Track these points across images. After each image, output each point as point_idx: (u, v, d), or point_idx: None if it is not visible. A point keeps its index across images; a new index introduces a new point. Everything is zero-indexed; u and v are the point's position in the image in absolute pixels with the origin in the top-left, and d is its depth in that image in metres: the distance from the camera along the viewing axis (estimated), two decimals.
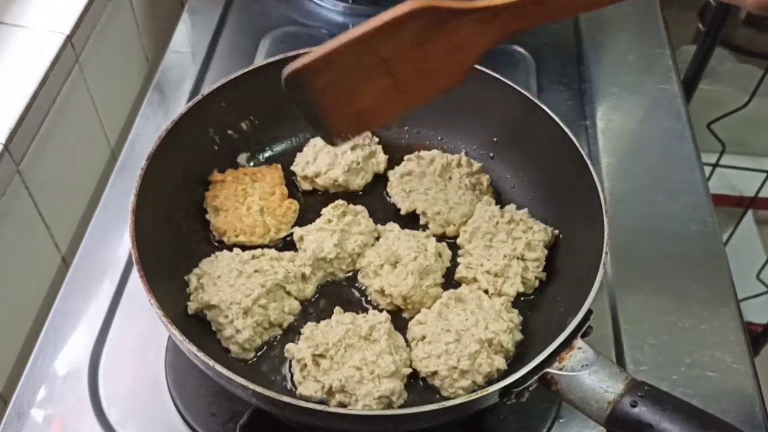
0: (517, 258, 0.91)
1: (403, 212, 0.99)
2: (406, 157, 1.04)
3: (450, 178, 1.01)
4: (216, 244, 0.96)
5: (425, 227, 0.98)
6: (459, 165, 1.02)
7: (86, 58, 1.14)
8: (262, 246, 0.94)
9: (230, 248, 0.92)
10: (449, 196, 0.98)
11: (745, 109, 1.61)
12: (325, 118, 0.86)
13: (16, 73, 1.01)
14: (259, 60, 1.27)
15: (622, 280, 1.04)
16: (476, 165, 1.02)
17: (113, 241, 1.05)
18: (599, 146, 1.21)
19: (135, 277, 1.00)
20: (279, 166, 1.02)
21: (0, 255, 0.97)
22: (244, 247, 0.93)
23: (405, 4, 0.78)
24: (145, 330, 0.95)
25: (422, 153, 1.04)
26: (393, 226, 0.96)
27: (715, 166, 1.74)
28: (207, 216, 0.97)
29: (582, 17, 1.43)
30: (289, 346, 0.85)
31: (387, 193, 1.02)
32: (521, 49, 1.34)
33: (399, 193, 1.00)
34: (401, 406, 0.80)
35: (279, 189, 0.98)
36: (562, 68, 1.33)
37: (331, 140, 0.88)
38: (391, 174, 1.03)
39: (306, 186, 1.03)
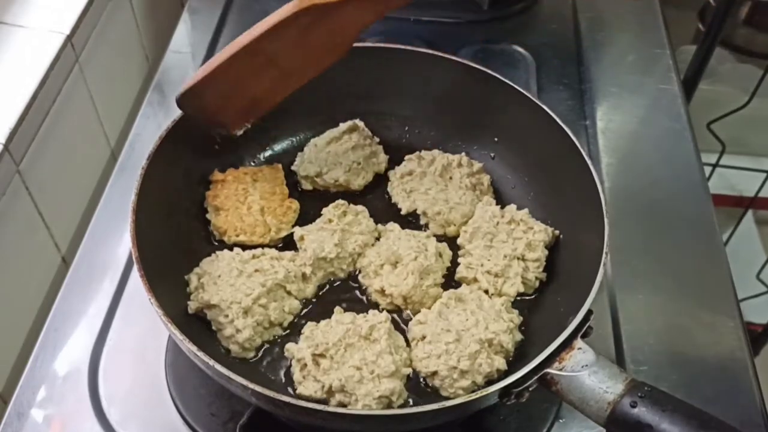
0: (518, 258, 0.91)
1: (403, 212, 0.99)
2: (406, 157, 1.04)
3: (451, 178, 1.01)
4: (216, 243, 0.96)
5: (426, 227, 0.98)
6: (460, 165, 1.02)
7: (86, 58, 1.14)
8: (262, 245, 0.94)
9: (231, 248, 0.92)
10: (450, 196, 0.98)
11: (745, 109, 1.61)
12: (220, 116, 0.93)
13: (16, 73, 1.01)
14: None
15: (622, 280, 1.04)
16: (477, 165, 1.02)
17: (113, 241, 1.05)
18: (599, 146, 1.21)
19: (135, 277, 1.00)
20: (280, 165, 1.02)
21: (0, 255, 0.97)
22: (244, 247, 0.93)
23: (288, 6, 0.83)
24: (145, 330, 0.95)
25: (423, 153, 1.04)
26: (393, 226, 0.96)
27: (715, 166, 1.74)
28: (207, 215, 0.97)
29: (582, 17, 1.43)
30: (289, 345, 0.85)
31: (387, 193, 1.02)
32: (521, 49, 1.35)
33: (399, 193, 1.00)
34: (401, 406, 0.80)
35: (280, 189, 0.98)
36: (562, 68, 1.33)
37: (230, 132, 0.95)
38: (391, 174, 1.03)
39: (307, 186, 1.03)
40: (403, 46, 1.03)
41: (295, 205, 0.98)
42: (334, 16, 0.85)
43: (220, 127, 0.95)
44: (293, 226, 0.96)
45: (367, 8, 0.85)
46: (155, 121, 1.20)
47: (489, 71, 1.00)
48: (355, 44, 1.10)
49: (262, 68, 0.89)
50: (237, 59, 0.86)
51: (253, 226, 0.94)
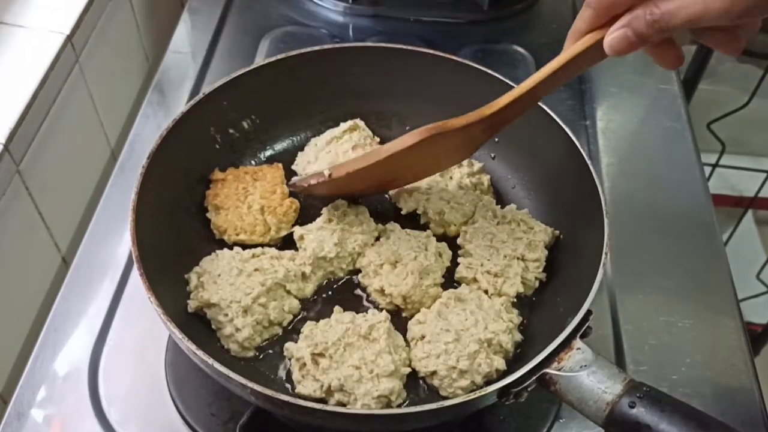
0: (518, 258, 0.91)
1: (403, 212, 0.99)
2: None
3: (451, 178, 1.01)
4: (216, 242, 0.96)
5: (426, 227, 0.98)
6: (460, 165, 1.02)
7: (86, 58, 1.14)
8: (262, 245, 0.94)
9: (230, 247, 0.92)
10: (450, 196, 0.98)
11: (745, 109, 1.62)
12: (338, 194, 0.97)
13: (16, 73, 1.01)
14: (259, 60, 1.27)
15: (622, 280, 1.04)
16: (477, 165, 1.02)
17: (113, 241, 1.05)
18: (599, 146, 1.21)
19: (135, 277, 1.00)
20: (280, 165, 1.02)
21: (0, 255, 0.97)
22: (244, 246, 0.93)
23: (414, 133, 0.84)
24: (145, 330, 0.95)
25: None
26: (393, 226, 0.96)
27: (715, 166, 1.74)
28: (208, 215, 0.96)
29: None
30: (289, 344, 0.85)
31: (388, 193, 1.02)
32: (521, 49, 1.35)
33: (400, 192, 1.00)
34: (400, 406, 0.80)
35: (280, 188, 0.98)
36: None
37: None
38: None
39: None
40: (403, 46, 1.03)
41: (296, 204, 0.98)
42: (457, 136, 0.86)
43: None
44: (293, 226, 0.96)
45: (488, 126, 0.86)
46: (155, 121, 1.20)
47: (489, 71, 1.00)
48: (355, 44, 1.11)
49: (389, 171, 0.91)
50: (357, 174, 0.89)
51: (253, 225, 0.94)
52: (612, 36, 0.73)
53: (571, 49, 0.78)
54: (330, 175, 0.89)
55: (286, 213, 0.96)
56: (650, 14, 0.70)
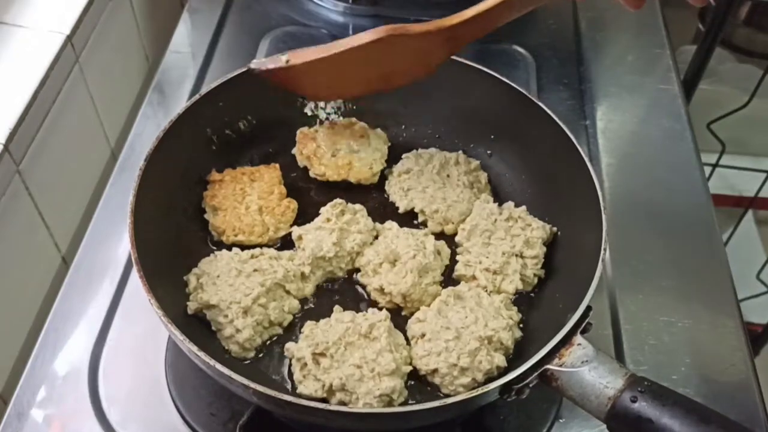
0: (516, 255, 0.91)
1: (401, 210, 0.99)
2: (404, 156, 1.04)
3: (448, 176, 1.01)
4: (214, 244, 0.95)
5: (423, 225, 0.98)
6: (457, 163, 1.02)
7: (86, 58, 1.14)
8: (260, 245, 0.94)
9: (229, 248, 0.92)
10: (447, 194, 0.98)
11: (745, 109, 1.61)
12: (298, 88, 0.96)
13: (16, 73, 1.01)
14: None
15: (622, 280, 1.04)
16: (474, 163, 1.02)
17: (113, 241, 1.05)
18: (599, 146, 1.21)
19: (135, 277, 0.99)
20: (277, 165, 1.02)
21: (0, 255, 0.97)
22: (243, 247, 0.93)
23: (372, 31, 0.86)
24: (145, 330, 0.95)
25: (420, 151, 1.04)
26: (392, 225, 0.96)
27: (715, 166, 1.74)
28: (206, 216, 0.96)
29: (582, 17, 1.43)
30: (289, 345, 0.85)
31: (385, 192, 1.02)
32: (521, 49, 1.35)
33: (397, 191, 1.00)
34: (401, 404, 0.80)
35: (277, 188, 0.98)
36: (562, 68, 1.33)
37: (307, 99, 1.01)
38: (389, 172, 1.03)
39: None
40: None
41: (293, 204, 0.98)
42: (418, 43, 0.88)
43: (297, 94, 0.98)
44: (291, 226, 0.96)
45: (445, 41, 0.87)
46: (155, 121, 1.20)
47: (483, 68, 1.00)
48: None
49: (346, 69, 0.91)
50: (319, 63, 0.90)
51: (251, 226, 0.94)
52: None
53: None
54: (287, 61, 0.89)
55: (284, 213, 0.96)
56: None
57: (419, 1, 1.40)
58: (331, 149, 1.01)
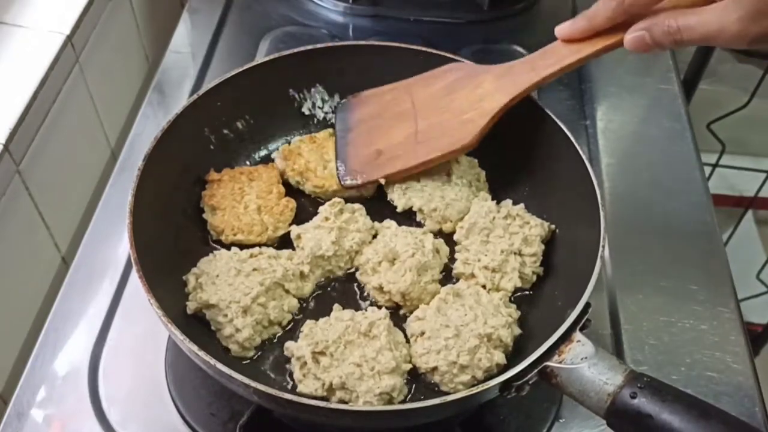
0: (515, 253, 0.91)
1: (399, 209, 0.99)
2: None
3: (446, 174, 1.01)
4: (213, 243, 0.95)
5: (422, 224, 0.98)
6: (455, 161, 1.02)
7: (86, 58, 1.14)
8: (259, 245, 0.94)
9: (228, 247, 0.92)
10: (446, 193, 0.98)
11: (745, 109, 1.62)
12: (349, 149, 0.99)
13: (16, 73, 1.01)
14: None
15: (622, 280, 1.04)
16: (472, 161, 1.02)
17: (113, 241, 1.05)
18: (599, 146, 1.21)
19: (135, 277, 0.99)
20: (275, 164, 1.02)
21: (0, 255, 0.97)
22: (242, 246, 0.93)
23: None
24: (145, 330, 0.95)
25: None
26: (390, 223, 0.96)
27: (715, 166, 1.74)
28: (204, 215, 0.96)
29: None
30: (289, 344, 0.85)
31: (383, 191, 1.02)
32: (521, 49, 1.35)
33: (395, 190, 1.00)
34: (401, 402, 0.80)
35: (276, 187, 0.98)
36: None
37: (343, 176, 0.98)
38: None
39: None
40: (401, 45, 1.03)
41: (292, 203, 0.98)
42: (478, 80, 0.93)
43: (341, 161, 0.99)
44: (290, 225, 0.96)
45: (506, 80, 0.91)
46: (155, 121, 1.20)
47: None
48: (353, 42, 1.11)
49: (403, 114, 0.96)
50: (390, 92, 0.99)
51: (250, 226, 0.94)
52: (632, 35, 0.79)
53: (592, 47, 0.84)
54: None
55: (282, 212, 0.96)
56: (668, 25, 0.73)
57: (419, 1, 1.40)
58: (321, 162, 1.01)
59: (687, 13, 0.73)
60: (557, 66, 0.87)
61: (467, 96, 0.93)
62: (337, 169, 0.99)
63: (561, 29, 0.86)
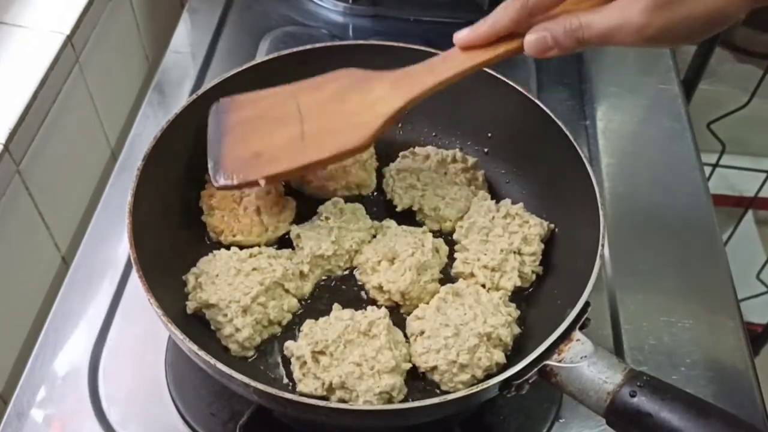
0: (514, 252, 0.91)
1: (399, 209, 0.99)
2: (401, 154, 1.04)
3: (445, 173, 1.01)
4: (213, 243, 0.95)
5: (421, 223, 0.98)
6: (454, 161, 1.02)
7: (86, 58, 1.14)
8: (259, 245, 0.94)
9: (228, 247, 0.92)
10: (445, 192, 0.98)
11: (745, 109, 1.61)
12: (223, 150, 0.91)
13: (16, 73, 1.01)
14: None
15: (622, 280, 1.04)
16: (471, 160, 1.02)
17: (113, 241, 1.05)
18: (599, 146, 1.21)
19: (135, 277, 0.99)
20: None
21: (0, 255, 0.97)
22: (241, 247, 0.92)
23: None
24: (145, 330, 0.95)
25: (417, 149, 1.04)
26: (390, 223, 0.96)
27: (715, 166, 1.74)
28: (203, 217, 0.96)
29: None
30: (289, 343, 0.85)
31: (383, 190, 1.03)
32: None
33: (395, 189, 1.00)
34: (401, 402, 0.80)
35: (275, 187, 0.98)
36: (562, 68, 1.33)
37: (216, 175, 0.89)
38: (386, 171, 1.03)
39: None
40: (401, 44, 1.03)
41: (292, 203, 0.98)
42: (370, 86, 0.88)
43: (213, 160, 0.90)
44: (290, 224, 0.96)
45: (401, 84, 0.86)
46: (155, 121, 1.20)
47: (489, 71, 0.99)
48: (353, 42, 1.11)
49: (287, 118, 0.90)
50: (275, 96, 0.92)
51: (249, 226, 0.94)
52: (533, 36, 0.75)
53: (493, 51, 0.80)
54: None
55: (282, 212, 0.96)
56: (570, 23, 0.72)
57: (419, 1, 1.40)
58: None
59: (589, 10, 0.72)
60: (457, 69, 0.83)
61: (360, 100, 0.88)
62: (209, 168, 0.90)
63: (460, 36, 0.81)
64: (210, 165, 0.90)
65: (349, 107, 0.89)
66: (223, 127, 0.92)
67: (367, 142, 0.88)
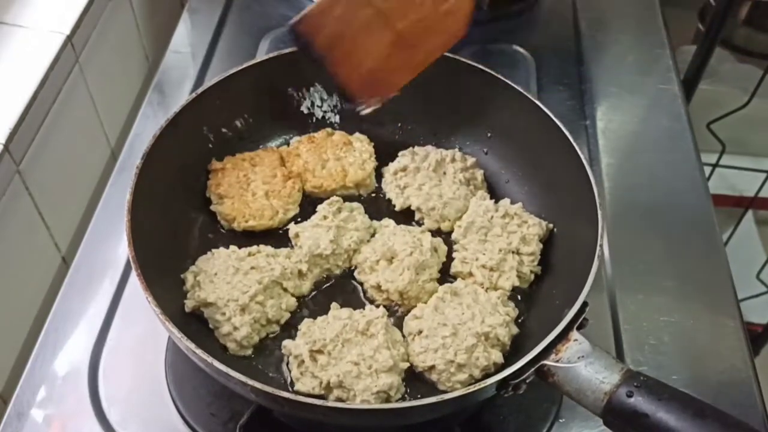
0: (512, 252, 0.91)
1: (398, 208, 0.99)
2: (400, 153, 1.04)
3: (444, 173, 1.01)
4: (212, 242, 0.95)
5: (420, 223, 0.98)
6: (453, 160, 1.02)
7: (86, 58, 1.14)
8: (271, 229, 0.95)
9: (227, 245, 0.92)
10: (444, 192, 0.98)
11: (745, 109, 1.61)
12: (338, 77, 0.87)
13: (16, 73, 1.01)
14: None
15: (622, 280, 1.04)
16: (470, 160, 1.02)
17: (113, 241, 1.05)
18: (599, 146, 1.21)
19: (135, 277, 0.99)
20: (275, 148, 1.02)
21: (0, 255, 0.97)
22: (253, 232, 0.93)
23: None
24: (145, 330, 0.95)
25: (416, 149, 1.04)
26: (388, 222, 0.96)
27: (715, 166, 1.74)
28: (212, 207, 0.96)
29: (582, 17, 1.43)
30: (287, 342, 0.85)
31: (382, 190, 1.02)
32: (521, 49, 1.35)
33: (393, 189, 1.00)
34: (399, 401, 0.80)
35: (279, 171, 0.99)
36: (562, 68, 1.33)
37: (352, 103, 0.88)
38: (385, 170, 1.03)
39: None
40: None
41: (298, 184, 0.99)
42: None
43: (339, 91, 0.88)
44: (299, 205, 0.97)
45: None
46: (155, 121, 1.20)
47: (479, 65, 1.00)
48: None
49: (372, 24, 0.85)
50: (343, 3, 0.84)
51: (260, 211, 0.95)
52: None
53: None
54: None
55: (290, 194, 0.97)
56: None
57: None
58: (319, 162, 1.01)
59: None
60: None
61: None
62: (344, 99, 0.89)
63: None
64: (342, 98, 0.89)
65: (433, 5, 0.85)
66: (319, 54, 0.86)
67: (466, 30, 0.86)
